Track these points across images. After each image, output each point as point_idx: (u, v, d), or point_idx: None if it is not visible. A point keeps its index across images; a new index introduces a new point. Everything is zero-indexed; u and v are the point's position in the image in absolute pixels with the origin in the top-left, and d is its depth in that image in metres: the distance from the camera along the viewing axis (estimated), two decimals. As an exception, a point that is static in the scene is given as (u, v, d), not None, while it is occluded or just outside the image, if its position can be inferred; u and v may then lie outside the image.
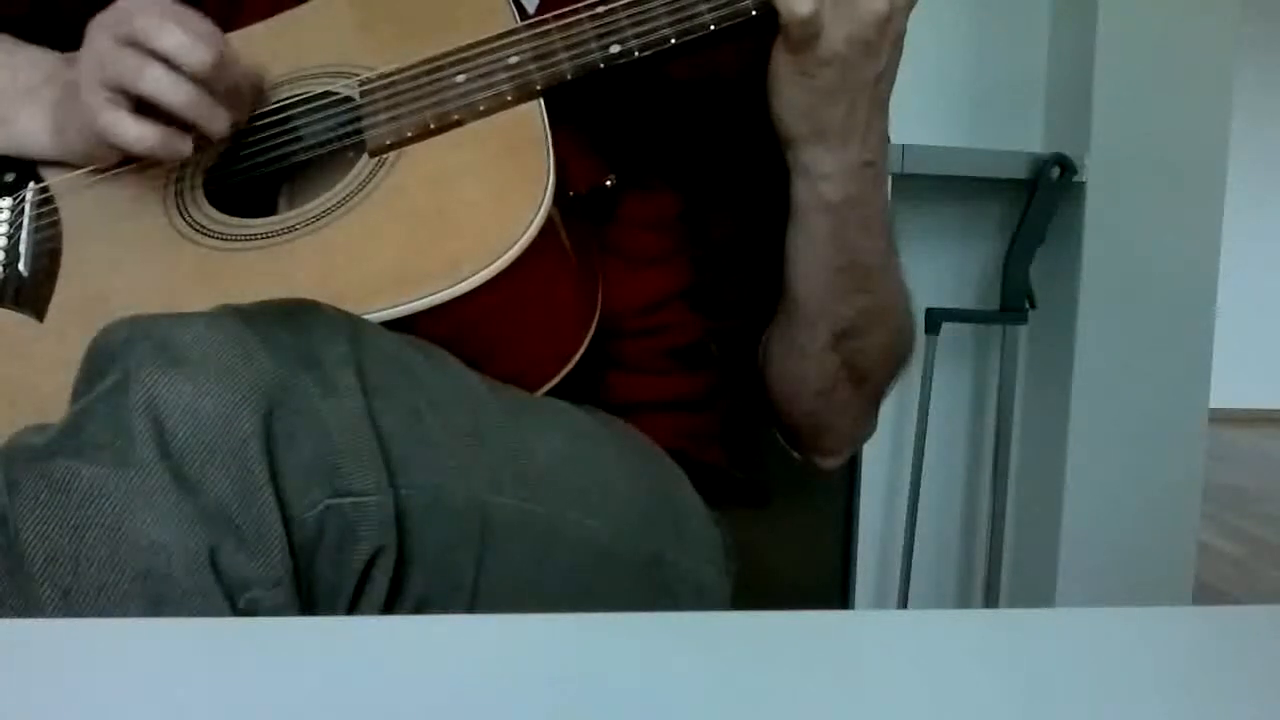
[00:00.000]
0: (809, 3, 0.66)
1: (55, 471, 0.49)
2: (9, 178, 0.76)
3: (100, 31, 0.67)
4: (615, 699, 0.36)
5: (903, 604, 2.02)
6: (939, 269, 2.11)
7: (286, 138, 0.74)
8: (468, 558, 0.59)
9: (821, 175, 0.72)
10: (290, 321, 0.56)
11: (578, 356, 0.71)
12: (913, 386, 2.06)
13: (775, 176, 0.75)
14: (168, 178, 0.74)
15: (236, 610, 0.49)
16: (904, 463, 2.07)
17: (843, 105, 0.69)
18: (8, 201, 0.75)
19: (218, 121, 0.68)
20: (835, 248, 0.74)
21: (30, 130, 0.74)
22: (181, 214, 0.72)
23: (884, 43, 0.68)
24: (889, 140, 0.74)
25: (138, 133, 0.67)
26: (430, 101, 0.70)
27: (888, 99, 0.72)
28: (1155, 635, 0.44)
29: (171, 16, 0.66)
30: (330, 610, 0.54)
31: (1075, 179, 1.95)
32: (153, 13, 0.66)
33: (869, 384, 0.82)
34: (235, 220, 0.71)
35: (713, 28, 0.69)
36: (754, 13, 0.69)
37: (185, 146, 0.68)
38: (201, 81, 0.66)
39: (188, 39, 0.65)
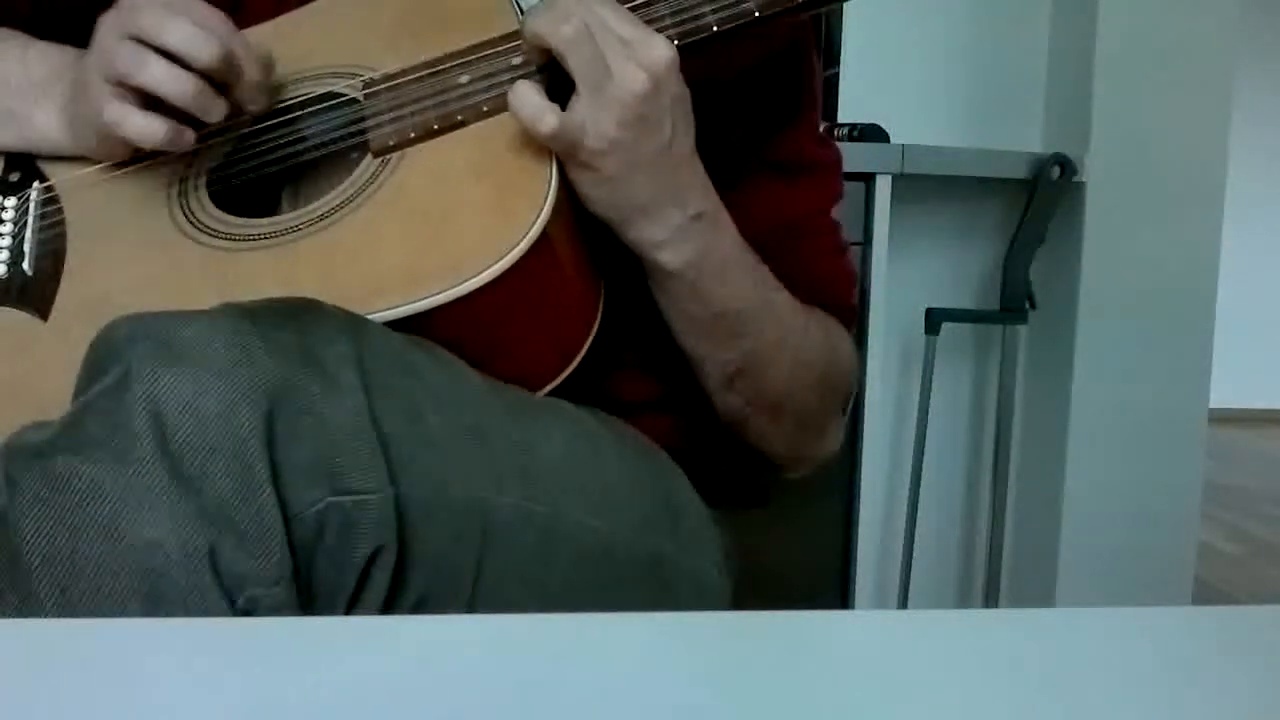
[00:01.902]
0: (550, 122, 0.65)
1: (55, 469, 0.49)
2: (14, 177, 0.76)
3: (107, 27, 0.67)
4: (615, 699, 0.36)
5: (903, 604, 2.02)
6: (939, 269, 2.11)
7: (290, 138, 0.74)
8: (468, 556, 0.59)
9: (654, 245, 0.70)
10: (292, 320, 0.56)
11: (580, 357, 0.71)
12: (913, 386, 2.06)
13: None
14: (172, 177, 0.74)
15: (235, 609, 0.49)
16: (904, 463, 2.07)
17: (643, 180, 0.68)
18: (12, 201, 0.75)
19: (216, 112, 0.68)
20: (696, 305, 0.73)
21: (44, 126, 0.74)
22: (185, 214, 0.72)
23: (659, 112, 0.66)
24: (712, 188, 0.72)
25: (142, 126, 0.67)
26: (434, 102, 0.70)
27: (691, 153, 0.70)
28: (1155, 635, 0.44)
29: (177, 9, 0.66)
30: (330, 609, 0.54)
31: (1075, 179, 1.95)
32: (158, 7, 0.66)
33: (787, 414, 0.80)
34: (239, 220, 0.71)
35: (715, 29, 0.69)
36: (756, 14, 0.68)
37: (189, 138, 0.68)
38: (207, 73, 0.66)
39: (192, 33, 0.65)
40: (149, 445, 0.50)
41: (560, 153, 0.67)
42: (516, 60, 0.70)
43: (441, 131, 0.70)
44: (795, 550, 1.81)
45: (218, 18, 0.68)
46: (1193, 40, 2.01)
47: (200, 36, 0.65)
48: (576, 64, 0.65)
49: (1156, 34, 1.99)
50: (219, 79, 0.67)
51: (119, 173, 0.74)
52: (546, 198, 0.66)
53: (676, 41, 0.67)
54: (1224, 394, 2.65)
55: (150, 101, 0.67)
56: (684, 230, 0.70)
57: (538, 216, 0.65)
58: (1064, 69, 2.08)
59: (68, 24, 0.72)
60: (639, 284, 0.74)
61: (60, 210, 0.74)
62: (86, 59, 0.69)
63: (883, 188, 1.78)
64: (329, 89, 0.75)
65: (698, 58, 0.69)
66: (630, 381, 0.80)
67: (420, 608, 0.57)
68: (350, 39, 0.77)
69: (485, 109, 0.69)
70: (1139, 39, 1.99)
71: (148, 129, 0.67)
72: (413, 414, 0.58)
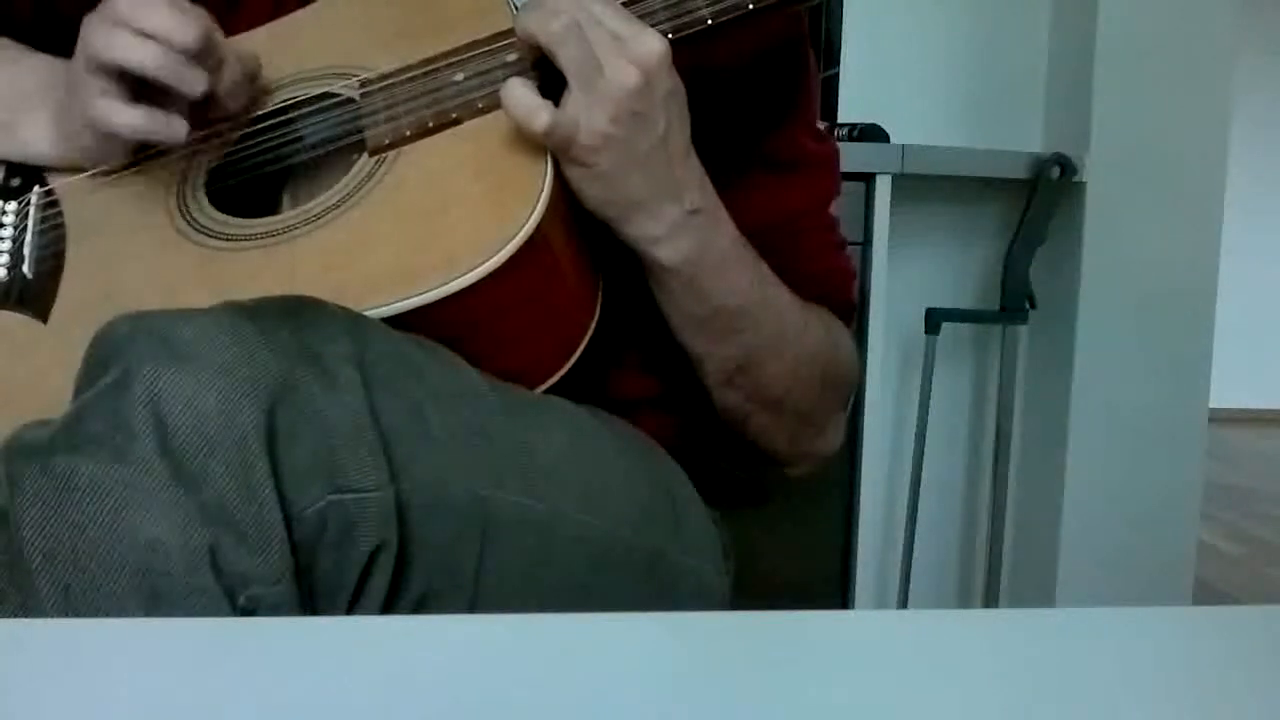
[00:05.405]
0: (542, 119, 0.65)
1: (56, 467, 0.49)
2: (14, 182, 0.76)
3: (89, 22, 0.68)
4: (615, 699, 0.36)
5: (903, 604, 2.02)
6: (939, 269, 2.11)
7: (287, 138, 0.74)
8: (469, 554, 0.59)
9: (651, 241, 0.70)
10: (292, 317, 0.56)
11: (578, 354, 0.71)
12: (913, 386, 2.06)
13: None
14: (170, 179, 0.74)
15: (237, 607, 0.49)
16: (904, 463, 2.07)
17: (638, 176, 0.68)
18: (13, 205, 0.75)
19: (196, 84, 0.67)
20: (693, 301, 0.73)
21: (33, 137, 0.74)
22: (184, 215, 0.72)
23: (652, 107, 0.66)
24: (709, 183, 0.72)
25: (127, 116, 0.67)
26: (428, 100, 0.71)
27: (687, 148, 0.70)
28: (1155, 635, 0.44)
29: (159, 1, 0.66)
30: (331, 607, 0.54)
31: (1075, 179, 1.95)
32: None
33: (788, 411, 0.80)
34: (236, 220, 0.71)
35: (709, 22, 0.69)
36: (750, 6, 0.68)
37: (176, 128, 0.68)
38: (187, 54, 0.66)
39: (170, 14, 0.66)
40: (149, 443, 0.50)
41: (554, 149, 0.67)
42: (510, 58, 0.70)
43: (436, 129, 0.70)
44: (795, 550, 1.81)
45: (195, 8, 0.68)
46: (1193, 40, 2.01)
47: (178, 18, 0.66)
48: (567, 60, 0.65)
49: (1156, 34, 1.99)
50: (199, 64, 0.68)
51: (118, 176, 0.74)
52: (541, 194, 0.66)
53: (670, 35, 0.67)
54: (1224, 394, 2.65)
55: (138, 96, 0.67)
56: (681, 226, 0.70)
57: (532, 212, 0.65)
58: (1064, 69, 2.08)
59: (68, 28, 0.72)
60: (638, 281, 0.74)
61: (60, 213, 0.74)
62: (74, 60, 0.69)
63: (883, 188, 1.78)
64: (326, 89, 0.75)
65: (692, 52, 0.69)
66: (630, 379, 0.80)
67: (421, 606, 0.57)
68: (347, 40, 0.77)
69: (480, 106, 0.70)
70: (1139, 39, 1.99)
71: (133, 118, 0.67)
72: (413, 412, 0.58)
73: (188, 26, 0.66)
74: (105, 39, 0.66)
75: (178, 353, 0.51)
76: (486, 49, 0.71)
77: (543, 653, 0.39)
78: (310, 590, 0.53)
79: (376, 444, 0.55)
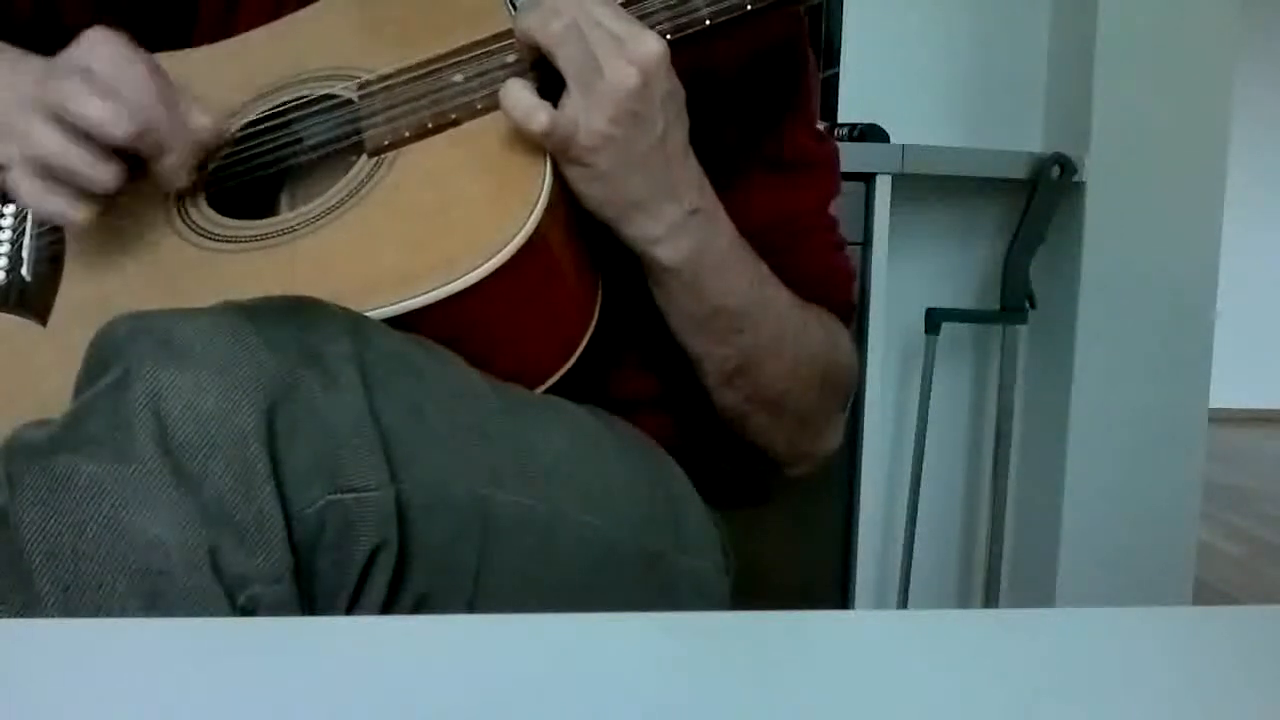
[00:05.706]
0: (541, 120, 0.65)
1: (56, 467, 0.49)
2: None
3: (50, 71, 0.66)
4: (615, 699, 0.36)
5: (903, 604, 2.02)
6: (939, 269, 2.11)
7: (286, 140, 0.74)
8: (469, 554, 0.59)
9: (650, 241, 0.70)
10: (292, 318, 0.56)
11: (577, 354, 0.71)
12: (913, 386, 2.06)
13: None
14: None
15: (237, 607, 0.49)
16: (904, 463, 2.07)
17: (637, 176, 0.68)
18: (11, 208, 0.75)
19: (102, 179, 0.65)
20: (692, 301, 0.73)
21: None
22: (183, 217, 0.72)
23: (651, 108, 0.66)
24: (708, 184, 0.72)
25: (29, 193, 0.65)
26: (428, 101, 0.71)
27: (685, 149, 0.70)
28: (1155, 635, 0.44)
29: (100, 81, 0.64)
30: (331, 607, 0.54)
31: (1075, 179, 1.95)
32: (81, 77, 0.64)
33: (787, 411, 0.80)
34: (235, 222, 0.71)
35: (708, 22, 0.69)
36: (749, 6, 0.68)
37: (72, 215, 0.66)
38: (123, 148, 0.65)
39: (101, 111, 0.63)
40: (149, 443, 0.50)
41: (553, 150, 0.67)
42: (510, 58, 0.70)
43: (436, 130, 0.70)
44: (795, 550, 1.81)
45: (147, 91, 0.65)
46: (1193, 40, 2.01)
47: (111, 113, 0.63)
48: (566, 61, 0.65)
49: (1156, 34, 1.99)
50: (142, 154, 0.66)
51: None
52: (540, 194, 0.66)
53: (669, 36, 0.68)
54: (1224, 394, 2.65)
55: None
56: (680, 226, 0.70)
57: (531, 213, 0.65)
58: (1064, 69, 2.08)
59: (67, 29, 0.72)
60: (638, 281, 0.74)
61: None
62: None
63: (883, 188, 1.78)
64: (325, 91, 0.75)
65: (691, 53, 0.69)
66: (630, 379, 0.80)
67: (421, 606, 0.57)
68: (346, 41, 0.77)
69: (479, 107, 0.70)
70: (1139, 39, 1.99)
71: (33, 197, 0.65)
72: (413, 412, 0.58)
73: (119, 122, 0.63)
74: (30, 126, 0.64)
75: (178, 353, 0.51)
76: (485, 50, 0.71)
77: (543, 653, 0.39)
78: (310, 590, 0.53)
79: (376, 444, 0.55)
